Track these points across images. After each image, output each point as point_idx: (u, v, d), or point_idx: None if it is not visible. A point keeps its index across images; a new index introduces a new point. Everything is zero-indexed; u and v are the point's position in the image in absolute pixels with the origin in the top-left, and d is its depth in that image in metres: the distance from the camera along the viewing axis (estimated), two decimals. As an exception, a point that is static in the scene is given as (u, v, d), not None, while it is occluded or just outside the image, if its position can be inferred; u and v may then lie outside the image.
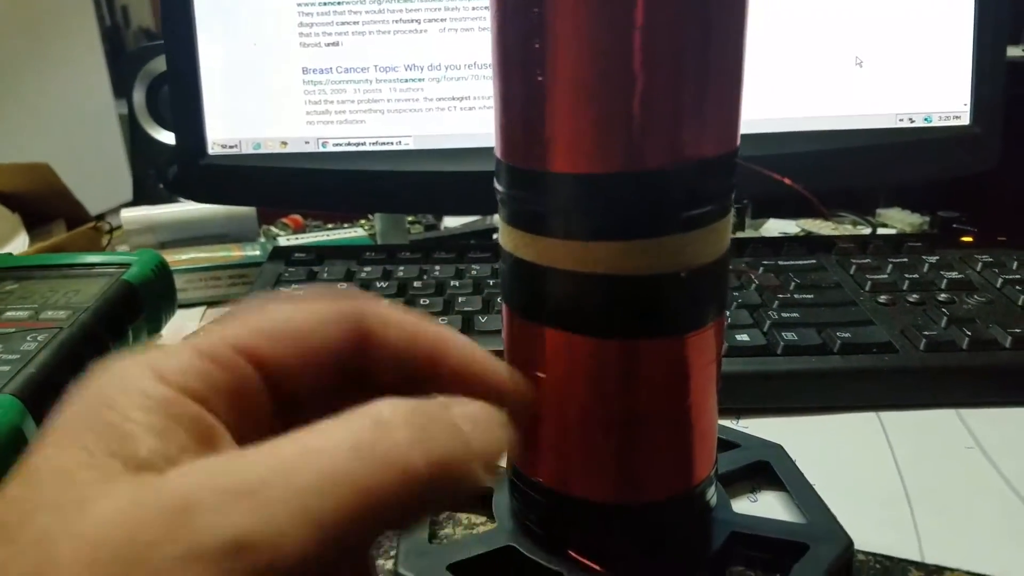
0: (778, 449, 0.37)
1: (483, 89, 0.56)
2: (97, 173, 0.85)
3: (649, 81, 0.23)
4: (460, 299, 0.49)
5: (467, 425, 0.18)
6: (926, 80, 0.56)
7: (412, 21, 0.55)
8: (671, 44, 0.23)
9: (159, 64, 0.76)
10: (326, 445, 0.16)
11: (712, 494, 0.30)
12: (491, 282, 0.51)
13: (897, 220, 0.69)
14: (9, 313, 0.45)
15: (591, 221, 0.24)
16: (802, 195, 0.23)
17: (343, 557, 0.16)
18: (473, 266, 0.54)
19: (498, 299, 0.48)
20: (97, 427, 0.17)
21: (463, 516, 0.34)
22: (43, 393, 0.39)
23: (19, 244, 0.64)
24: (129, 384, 0.18)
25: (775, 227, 0.72)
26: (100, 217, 0.76)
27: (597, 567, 0.28)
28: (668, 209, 0.24)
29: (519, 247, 0.26)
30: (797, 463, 0.36)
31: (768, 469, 0.36)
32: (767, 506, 0.35)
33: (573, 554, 0.28)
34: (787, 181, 0.23)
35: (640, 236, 0.24)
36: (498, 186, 0.27)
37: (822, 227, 0.71)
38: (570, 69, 0.23)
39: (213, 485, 0.15)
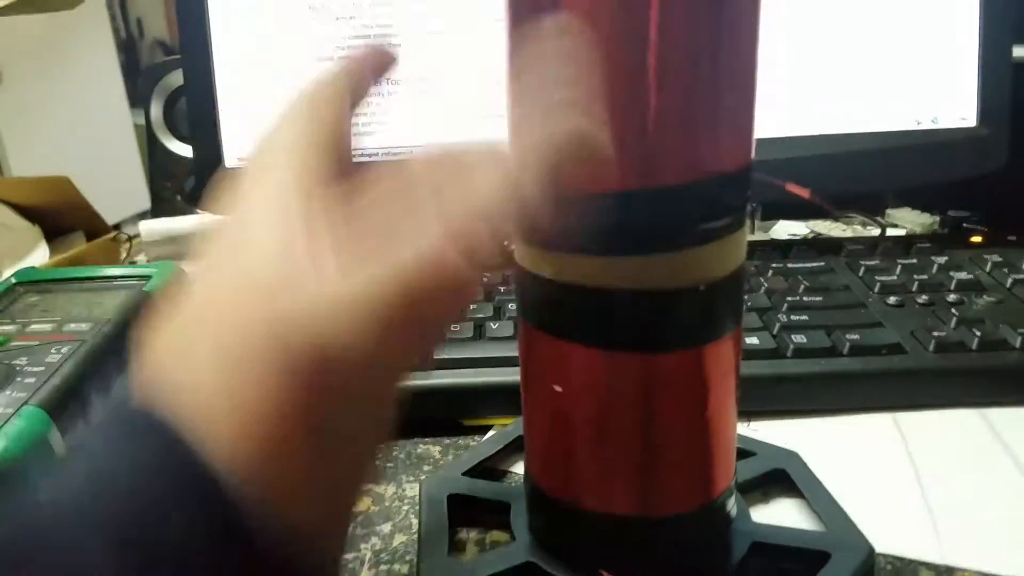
0: (795, 457, 0.37)
1: (497, 100, 0.56)
2: (113, 182, 0.86)
3: (664, 98, 0.23)
4: (471, 306, 0.49)
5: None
6: (933, 82, 0.56)
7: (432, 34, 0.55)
8: (685, 61, 0.23)
9: (175, 78, 0.77)
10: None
11: (732, 505, 0.30)
12: (501, 288, 0.51)
13: (907, 220, 0.70)
14: (33, 326, 0.46)
15: (608, 238, 0.25)
16: (818, 204, 0.24)
17: None
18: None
19: (508, 305, 0.49)
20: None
21: (480, 530, 0.34)
22: (67, 404, 0.40)
23: (40, 256, 0.65)
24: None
25: (784, 228, 0.72)
26: (117, 227, 0.77)
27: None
28: (685, 224, 0.25)
29: (536, 263, 0.26)
30: (809, 466, 0.36)
31: (785, 477, 0.36)
32: (784, 514, 0.35)
33: (600, 571, 0.28)
34: (806, 195, 0.24)
35: (658, 251, 0.25)
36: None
37: (831, 228, 0.71)
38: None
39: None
